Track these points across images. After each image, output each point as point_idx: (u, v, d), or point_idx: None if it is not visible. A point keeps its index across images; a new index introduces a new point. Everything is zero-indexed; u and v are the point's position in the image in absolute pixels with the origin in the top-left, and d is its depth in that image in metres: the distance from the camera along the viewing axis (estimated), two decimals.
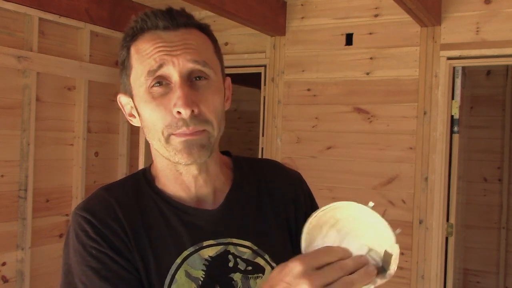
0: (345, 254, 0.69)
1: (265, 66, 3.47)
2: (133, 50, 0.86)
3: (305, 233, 0.73)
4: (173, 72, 0.81)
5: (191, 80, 0.83)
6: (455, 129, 2.92)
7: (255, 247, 0.90)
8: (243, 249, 0.89)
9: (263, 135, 3.49)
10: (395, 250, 0.69)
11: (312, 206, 1.01)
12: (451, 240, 2.91)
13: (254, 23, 3.06)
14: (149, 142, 0.89)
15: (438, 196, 2.88)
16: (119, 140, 3.56)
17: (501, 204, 4.32)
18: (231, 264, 0.87)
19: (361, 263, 0.68)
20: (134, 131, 3.59)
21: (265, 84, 3.48)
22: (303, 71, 3.32)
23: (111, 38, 3.45)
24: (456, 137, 2.92)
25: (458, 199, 3.04)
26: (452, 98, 2.92)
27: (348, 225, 0.72)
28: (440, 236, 2.87)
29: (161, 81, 0.82)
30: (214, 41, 0.91)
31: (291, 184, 1.02)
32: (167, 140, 0.83)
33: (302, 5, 3.32)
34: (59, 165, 3.14)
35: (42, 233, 3.02)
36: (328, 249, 0.70)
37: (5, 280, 2.81)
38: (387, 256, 0.70)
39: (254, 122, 5.29)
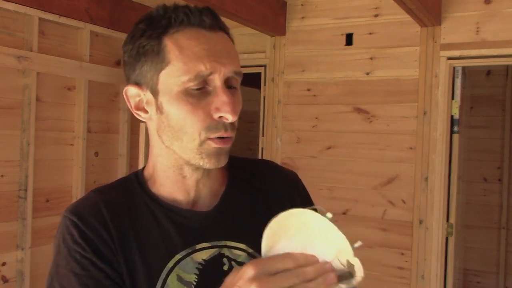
0: (307, 261, 0.67)
1: (265, 66, 3.47)
2: (170, 43, 0.81)
3: (265, 238, 0.72)
4: (216, 79, 0.81)
5: (226, 86, 0.83)
6: (455, 129, 2.92)
7: (250, 250, 0.88)
8: (238, 251, 0.88)
9: (263, 135, 3.49)
10: (356, 262, 0.67)
11: (309, 205, 1.01)
12: (451, 240, 2.91)
13: (254, 23, 3.06)
14: (161, 142, 0.87)
15: (438, 196, 2.88)
16: (119, 140, 3.56)
17: (501, 204, 4.32)
18: (225, 268, 0.86)
19: (322, 270, 0.66)
20: (134, 131, 3.58)
21: (265, 84, 3.48)
22: (303, 71, 3.32)
23: (111, 38, 3.44)
24: (456, 137, 2.92)
25: (458, 199, 3.04)
26: (452, 98, 2.92)
27: (314, 231, 0.70)
28: (440, 236, 2.87)
29: (202, 85, 0.81)
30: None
31: (287, 184, 1.00)
32: (202, 143, 0.82)
33: (302, 5, 3.32)
34: (59, 165, 3.14)
35: (42, 233, 3.02)
36: (287, 255, 0.68)
37: (5, 280, 2.81)
38: (350, 265, 0.68)
39: (254, 122, 5.29)
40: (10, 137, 2.84)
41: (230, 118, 0.80)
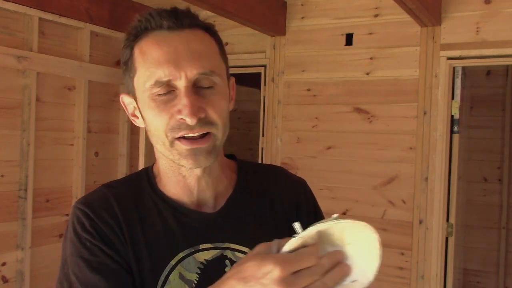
0: (328, 255, 0.67)
1: (265, 66, 3.47)
2: (136, 51, 0.84)
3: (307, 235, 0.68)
4: (179, 82, 0.81)
5: (196, 86, 0.82)
6: (455, 129, 2.92)
7: None
8: (241, 254, 0.88)
9: (263, 135, 3.48)
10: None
11: (316, 214, 0.99)
12: (451, 240, 2.91)
13: (254, 23, 3.06)
14: (153, 144, 0.89)
15: (438, 196, 2.88)
16: (119, 140, 3.56)
17: (501, 204, 4.32)
18: (227, 269, 0.86)
19: (336, 261, 0.67)
20: (134, 131, 3.58)
21: (265, 84, 3.48)
22: (303, 71, 3.32)
23: (111, 38, 3.45)
24: (456, 137, 2.92)
25: (458, 199, 3.04)
26: (452, 98, 2.92)
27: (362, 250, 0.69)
28: (440, 236, 2.87)
29: (167, 90, 0.82)
30: (219, 42, 0.89)
31: (294, 190, 1.00)
32: (172, 144, 0.83)
33: (302, 5, 3.32)
34: (59, 165, 3.14)
35: (42, 233, 3.02)
36: (310, 253, 0.66)
37: (5, 280, 2.81)
38: None
39: (254, 122, 5.29)
40: (10, 137, 2.84)
41: (189, 121, 0.80)
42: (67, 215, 3.19)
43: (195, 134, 0.81)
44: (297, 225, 0.67)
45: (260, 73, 3.50)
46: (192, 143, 0.82)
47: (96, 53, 3.35)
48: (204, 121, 0.81)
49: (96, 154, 3.39)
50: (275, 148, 3.40)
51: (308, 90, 3.30)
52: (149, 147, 3.39)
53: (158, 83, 0.81)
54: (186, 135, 0.81)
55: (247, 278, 0.65)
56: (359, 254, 0.68)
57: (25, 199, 2.88)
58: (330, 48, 3.23)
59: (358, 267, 0.68)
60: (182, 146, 0.82)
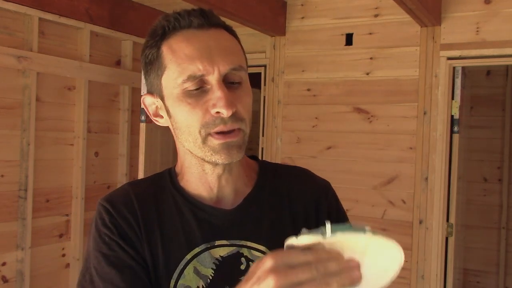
0: (330, 256, 0.64)
1: (265, 66, 3.47)
2: (165, 49, 0.85)
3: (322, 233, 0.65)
4: (211, 77, 0.82)
5: (226, 82, 0.84)
6: (455, 129, 2.92)
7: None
8: (257, 253, 0.89)
9: (263, 135, 3.49)
10: None
11: (338, 216, 0.99)
12: (451, 240, 2.92)
13: (254, 23, 3.06)
14: (179, 142, 0.89)
15: (438, 196, 2.88)
16: (119, 140, 3.56)
17: (501, 204, 4.32)
18: (243, 267, 0.87)
19: (347, 267, 0.64)
20: (134, 131, 3.58)
21: (265, 84, 3.48)
22: (303, 71, 3.32)
23: (111, 38, 3.44)
24: (456, 137, 2.92)
25: (458, 199, 3.04)
26: (452, 98, 2.92)
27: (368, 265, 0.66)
28: (440, 236, 2.87)
29: (199, 85, 0.83)
30: (239, 42, 0.93)
31: (316, 191, 0.99)
32: (204, 141, 0.84)
33: (302, 5, 3.32)
34: (59, 165, 3.14)
35: (42, 233, 3.02)
36: (308, 249, 0.64)
37: (5, 280, 2.81)
38: None
39: (254, 122, 5.28)
40: (10, 137, 2.84)
41: (225, 112, 0.81)
42: (67, 215, 3.19)
43: (229, 129, 0.83)
44: (328, 225, 0.65)
45: (260, 73, 3.50)
46: (225, 137, 0.83)
47: (96, 53, 3.35)
48: (235, 117, 0.83)
49: (96, 154, 3.39)
50: (275, 148, 3.40)
51: (308, 90, 3.30)
52: (149, 147, 3.39)
53: (191, 78, 0.82)
54: (219, 131, 0.83)
55: (248, 275, 0.66)
56: (373, 268, 0.65)
57: (25, 199, 2.88)
58: (330, 48, 3.23)
59: (366, 280, 0.65)
60: (215, 141, 0.83)
